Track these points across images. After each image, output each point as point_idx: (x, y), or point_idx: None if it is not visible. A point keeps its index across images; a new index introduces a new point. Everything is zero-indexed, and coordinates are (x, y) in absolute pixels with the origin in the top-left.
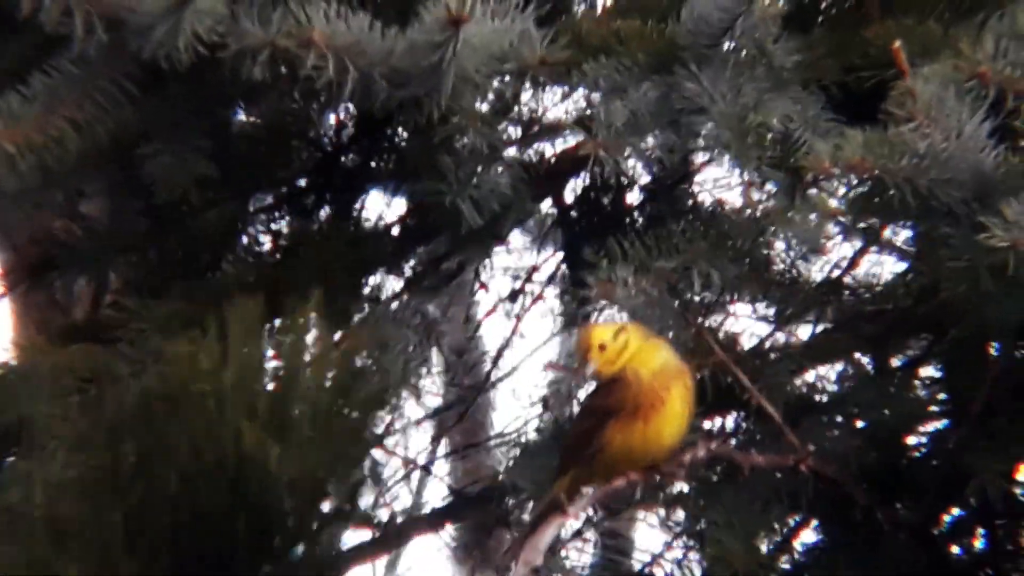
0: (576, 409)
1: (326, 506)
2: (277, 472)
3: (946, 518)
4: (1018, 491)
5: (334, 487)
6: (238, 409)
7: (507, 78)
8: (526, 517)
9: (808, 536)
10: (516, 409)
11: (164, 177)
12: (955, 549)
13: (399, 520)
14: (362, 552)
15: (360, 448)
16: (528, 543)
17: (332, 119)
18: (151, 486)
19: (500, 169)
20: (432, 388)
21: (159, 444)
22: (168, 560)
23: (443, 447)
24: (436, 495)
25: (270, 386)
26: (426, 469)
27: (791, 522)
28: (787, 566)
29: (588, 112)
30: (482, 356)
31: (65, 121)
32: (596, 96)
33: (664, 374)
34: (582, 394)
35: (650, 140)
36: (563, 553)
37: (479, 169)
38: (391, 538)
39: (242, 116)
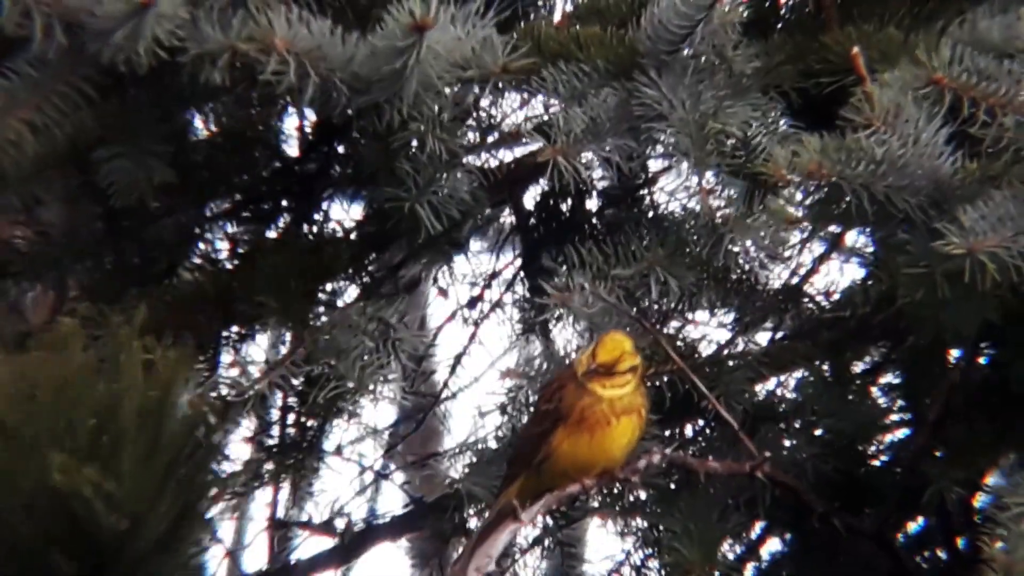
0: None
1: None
2: (96, 498)
3: (908, 527)
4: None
5: (161, 512)
6: (53, 437)
7: (465, 85)
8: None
9: (769, 544)
10: (472, 417)
11: (122, 181)
12: (915, 557)
13: (357, 529)
14: (320, 561)
15: (187, 475)
16: (478, 551)
17: (290, 127)
18: None
19: (459, 175)
20: (388, 395)
21: None
22: None
23: (399, 456)
24: (394, 504)
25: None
26: (383, 477)
27: (753, 531)
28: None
29: (547, 118)
30: (439, 364)
31: (23, 124)
32: (555, 102)
33: (621, 405)
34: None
35: (608, 147)
36: (517, 560)
37: (438, 175)
38: (349, 547)
39: (200, 123)
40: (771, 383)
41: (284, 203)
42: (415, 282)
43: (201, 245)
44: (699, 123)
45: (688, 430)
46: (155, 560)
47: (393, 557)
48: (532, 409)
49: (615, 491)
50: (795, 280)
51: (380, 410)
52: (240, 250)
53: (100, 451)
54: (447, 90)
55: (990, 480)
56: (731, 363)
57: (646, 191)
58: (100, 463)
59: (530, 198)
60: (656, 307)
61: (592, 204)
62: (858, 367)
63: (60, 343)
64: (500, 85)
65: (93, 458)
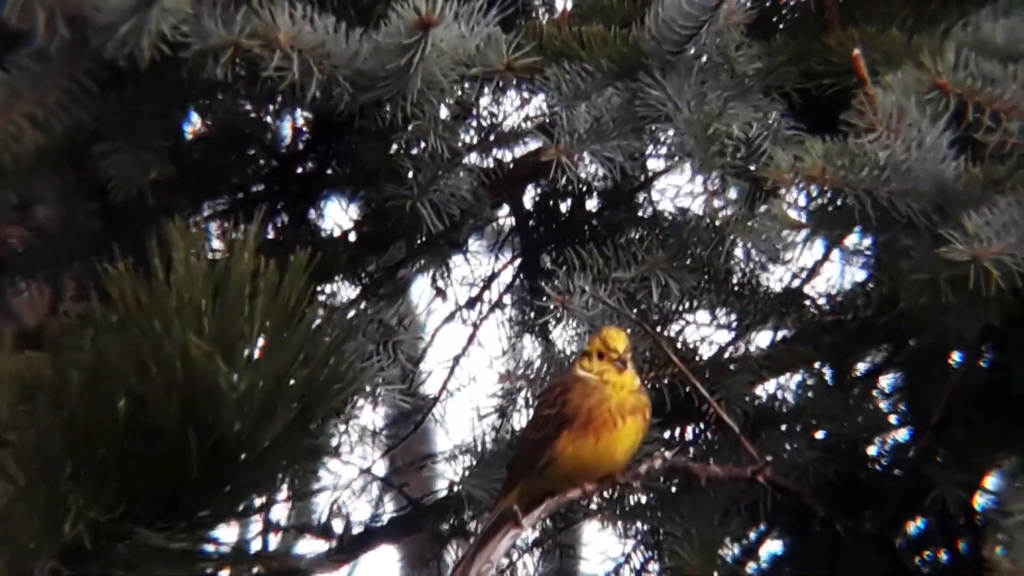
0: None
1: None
2: (226, 388)
3: (909, 529)
4: (978, 502)
5: (284, 406)
6: (184, 326)
7: (468, 82)
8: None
9: (770, 546)
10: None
11: (121, 175)
12: (917, 560)
13: (356, 531)
14: (320, 563)
15: (307, 379)
16: (479, 556)
17: (288, 125)
18: (98, 409)
19: (461, 174)
20: (387, 396)
21: (105, 365)
22: (117, 485)
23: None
24: (392, 506)
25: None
26: (385, 482)
27: (753, 533)
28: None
29: (550, 117)
30: (437, 365)
31: (24, 117)
32: (558, 102)
33: (627, 405)
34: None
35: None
36: (516, 562)
37: (440, 173)
38: (348, 549)
39: (197, 121)
40: (772, 386)
41: (281, 203)
42: (407, 283)
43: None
44: (704, 124)
45: (688, 433)
46: (273, 458)
47: (390, 559)
48: (532, 413)
49: (615, 494)
50: (796, 283)
51: (377, 411)
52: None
53: (225, 347)
54: (452, 87)
55: (990, 482)
56: (732, 366)
57: (645, 193)
58: (225, 359)
59: (529, 199)
60: (657, 310)
61: (591, 205)
62: (859, 370)
63: (188, 247)
64: (503, 83)
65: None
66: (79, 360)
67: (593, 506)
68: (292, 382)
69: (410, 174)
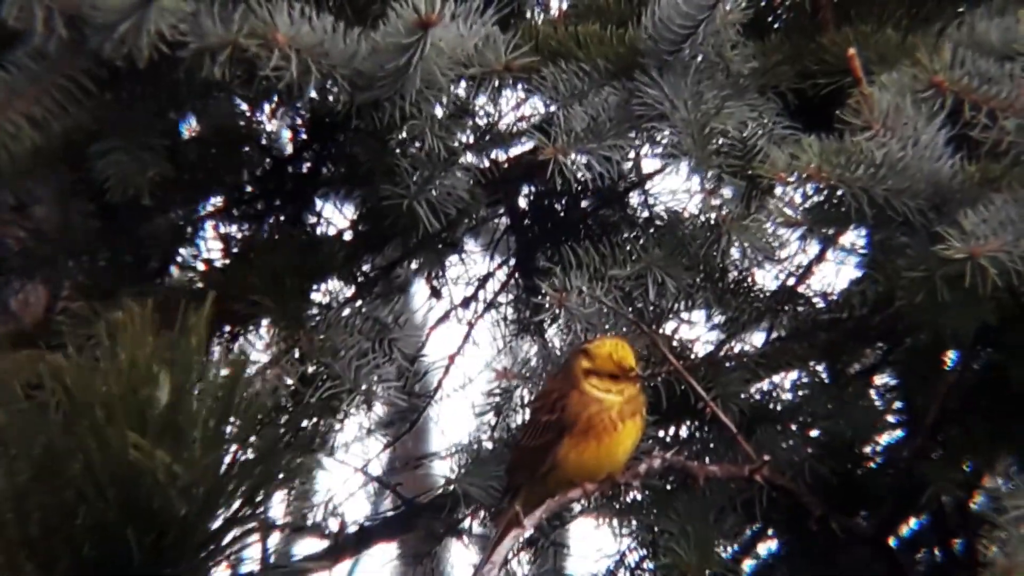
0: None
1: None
2: (167, 480)
3: (904, 528)
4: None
5: (230, 493)
6: (127, 418)
7: (466, 82)
8: (477, 527)
9: (765, 545)
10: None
11: (118, 176)
12: (912, 558)
13: (352, 530)
14: (316, 562)
15: (255, 460)
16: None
17: (284, 125)
18: (46, 497)
19: (457, 173)
20: (383, 395)
21: (53, 456)
22: (69, 568)
23: (390, 457)
24: (388, 505)
25: (162, 394)
26: (379, 481)
27: (748, 532)
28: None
29: (547, 117)
30: (433, 364)
31: (22, 116)
32: (555, 101)
33: (626, 411)
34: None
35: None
36: (511, 560)
37: (436, 173)
38: (344, 548)
39: (193, 121)
40: (767, 384)
41: (277, 202)
42: (406, 283)
43: (195, 244)
44: (701, 123)
45: (684, 431)
46: (221, 542)
47: (389, 557)
48: (529, 419)
49: (612, 493)
50: (792, 281)
51: (374, 410)
52: (234, 250)
53: (171, 434)
54: (450, 87)
55: (989, 484)
56: (727, 364)
57: (641, 191)
58: (170, 447)
59: (524, 198)
60: (652, 308)
61: (587, 204)
62: (855, 368)
63: (130, 327)
64: (501, 83)
65: (164, 441)
66: (31, 451)
67: (589, 505)
68: (238, 467)
69: (406, 173)
